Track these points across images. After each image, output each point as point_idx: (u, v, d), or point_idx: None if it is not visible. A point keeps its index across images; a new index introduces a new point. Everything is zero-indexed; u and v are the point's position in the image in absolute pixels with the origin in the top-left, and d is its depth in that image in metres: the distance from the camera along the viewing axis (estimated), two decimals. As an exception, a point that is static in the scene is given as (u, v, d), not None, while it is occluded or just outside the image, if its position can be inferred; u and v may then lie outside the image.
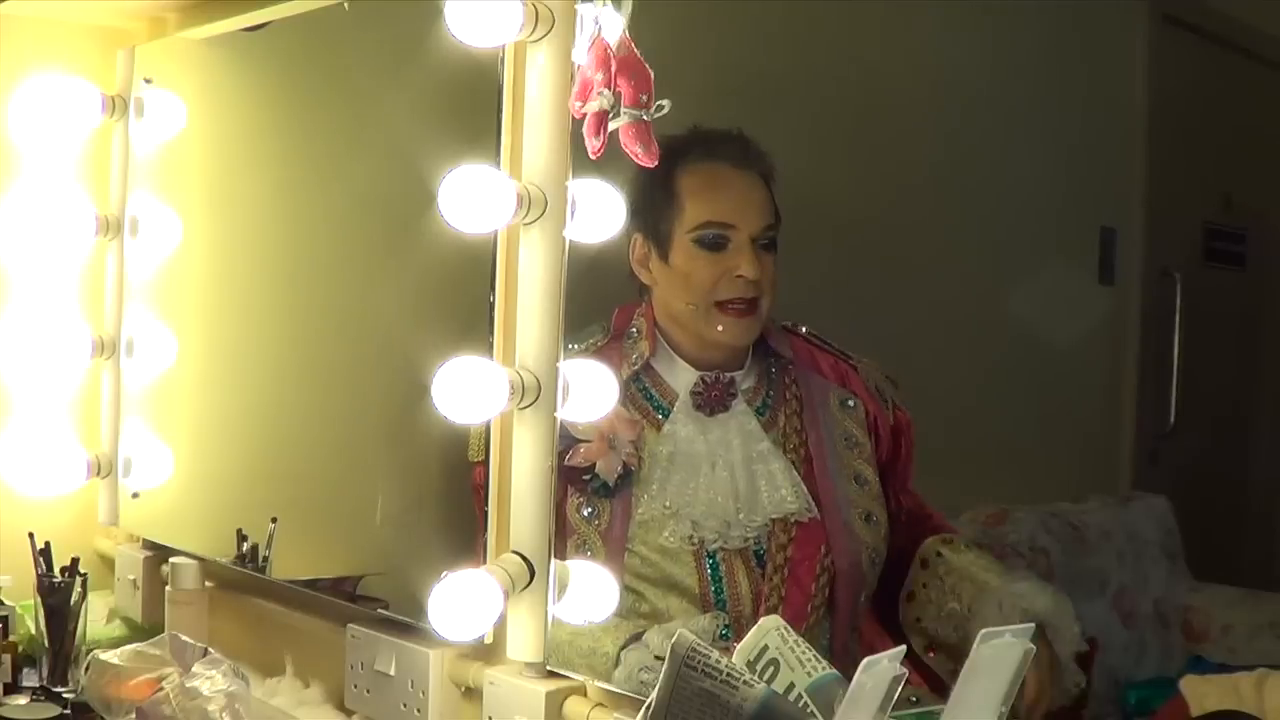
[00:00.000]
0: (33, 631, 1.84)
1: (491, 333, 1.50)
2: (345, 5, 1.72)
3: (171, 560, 1.91)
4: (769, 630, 1.17)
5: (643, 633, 1.43)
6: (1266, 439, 1.76)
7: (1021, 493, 1.76)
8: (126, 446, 2.10)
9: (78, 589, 1.82)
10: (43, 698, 1.78)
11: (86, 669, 1.61)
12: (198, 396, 2.09)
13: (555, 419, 1.40)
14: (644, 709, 1.12)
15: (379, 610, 1.67)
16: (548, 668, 1.42)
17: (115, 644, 1.69)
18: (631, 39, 1.29)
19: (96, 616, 1.95)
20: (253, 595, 1.90)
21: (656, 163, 1.29)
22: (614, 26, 1.29)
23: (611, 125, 1.28)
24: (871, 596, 1.53)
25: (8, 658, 1.79)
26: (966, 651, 1.44)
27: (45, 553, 1.85)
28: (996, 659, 1.04)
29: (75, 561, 1.84)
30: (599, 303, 1.58)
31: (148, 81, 2.08)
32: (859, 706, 1.04)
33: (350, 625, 1.66)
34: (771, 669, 1.15)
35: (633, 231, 1.53)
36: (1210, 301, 1.78)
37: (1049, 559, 1.72)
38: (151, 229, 2.07)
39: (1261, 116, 1.74)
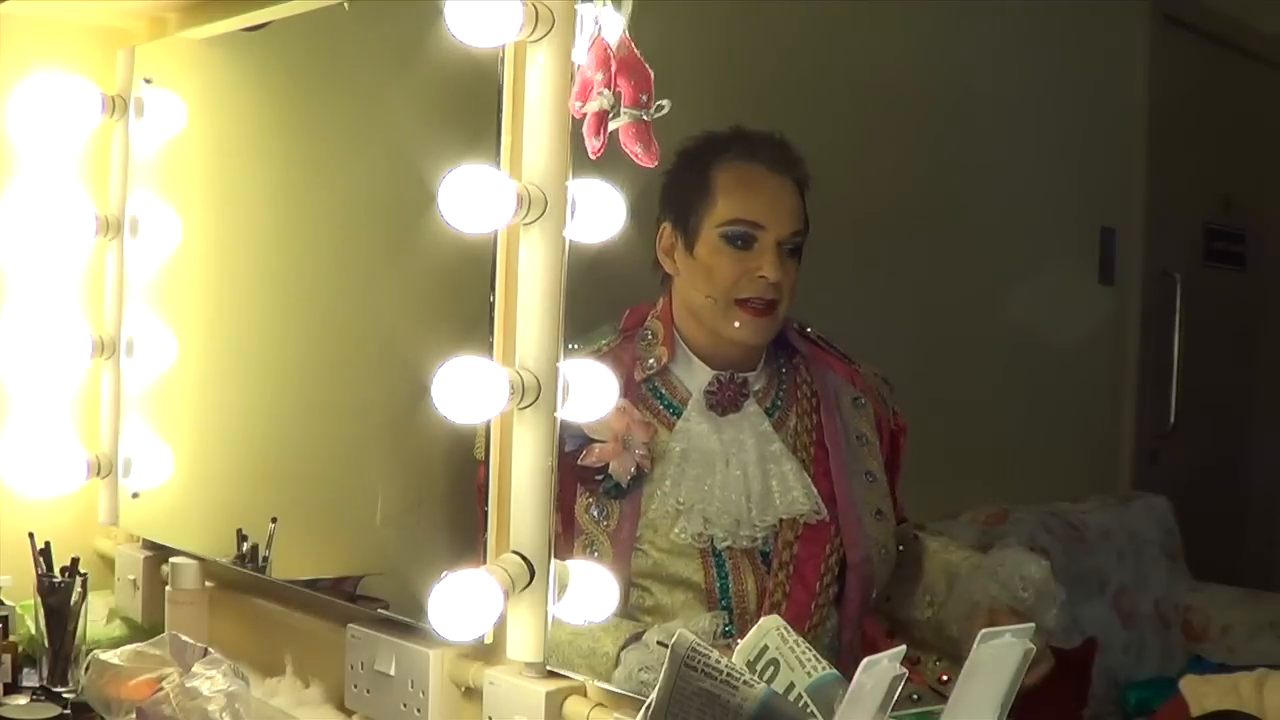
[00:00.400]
0: (33, 631, 1.84)
1: (491, 333, 1.51)
2: (345, 5, 1.72)
3: (171, 560, 1.91)
4: (769, 630, 1.17)
5: (643, 632, 1.43)
6: (1266, 439, 1.76)
7: (1021, 493, 1.76)
8: (126, 446, 2.10)
9: (78, 589, 1.82)
10: (43, 698, 1.78)
11: (86, 669, 1.61)
12: (198, 396, 2.09)
13: (555, 419, 1.40)
14: (644, 709, 1.12)
15: (379, 610, 1.67)
16: (548, 668, 1.42)
17: (115, 644, 1.69)
18: (631, 39, 1.29)
19: (96, 616, 1.95)
20: (253, 595, 1.90)
21: (658, 160, 1.30)
22: (614, 26, 1.29)
23: (611, 125, 1.29)
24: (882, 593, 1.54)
25: (8, 658, 1.79)
26: (941, 630, 1.48)
27: (45, 553, 1.85)
28: (996, 659, 1.04)
29: (75, 561, 1.84)
30: (609, 303, 1.58)
31: (148, 81, 2.08)
32: (859, 706, 1.04)
33: (350, 625, 1.66)
34: (771, 669, 1.15)
35: (662, 220, 1.54)
36: (1210, 301, 1.78)
37: (1049, 559, 1.71)
38: (151, 229, 2.07)
39: (1261, 116, 1.73)
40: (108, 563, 2.12)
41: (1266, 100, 1.74)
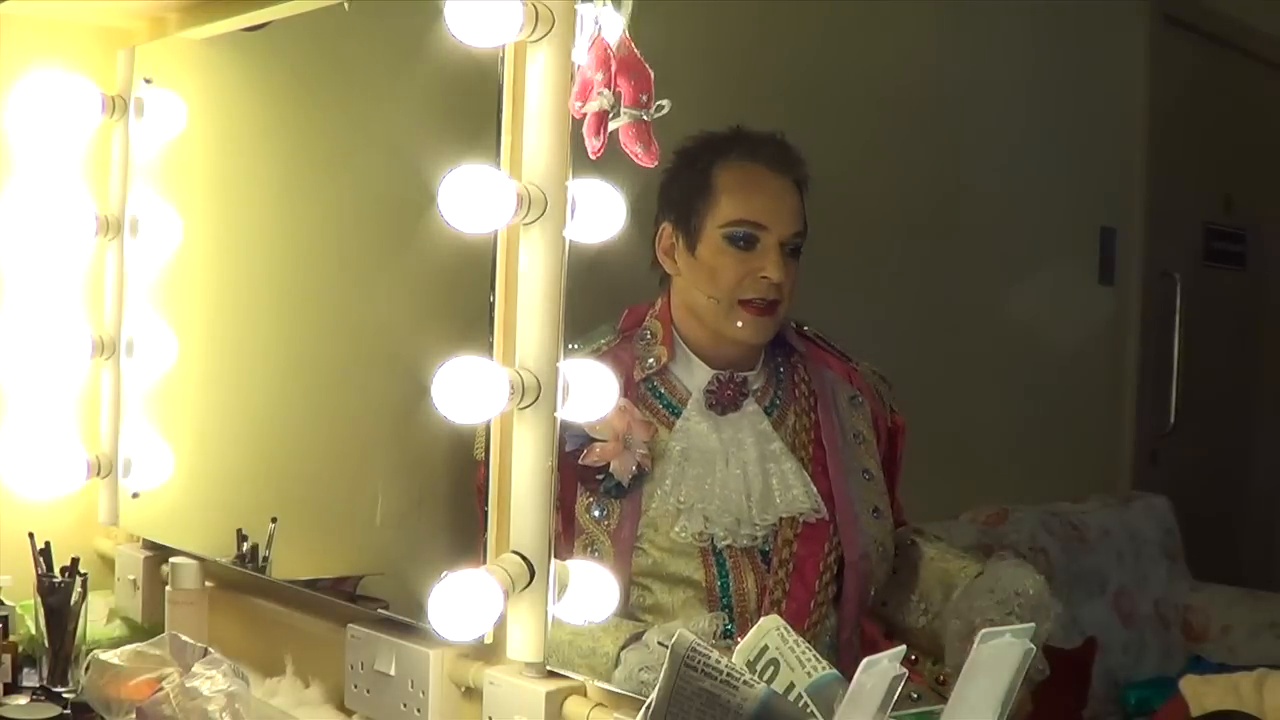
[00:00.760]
0: (33, 631, 1.84)
1: (491, 333, 1.50)
2: (345, 5, 1.72)
3: (171, 560, 1.91)
4: (769, 630, 1.17)
5: (643, 632, 1.43)
6: (1266, 439, 1.76)
7: (1021, 493, 1.76)
8: (126, 446, 2.10)
9: (78, 589, 1.82)
10: (43, 698, 1.78)
11: (86, 669, 1.61)
12: (198, 396, 2.09)
13: (555, 419, 1.40)
14: (644, 709, 1.12)
15: (379, 610, 1.67)
16: (548, 668, 1.42)
17: (115, 644, 1.69)
18: (631, 39, 1.29)
19: (96, 616, 1.95)
20: (253, 595, 1.90)
21: (658, 160, 1.30)
22: (614, 26, 1.29)
23: (611, 125, 1.29)
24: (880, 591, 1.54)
25: (8, 658, 1.79)
26: (936, 640, 1.48)
27: (45, 553, 1.85)
28: (996, 659, 1.04)
29: (75, 561, 1.84)
30: (609, 303, 1.58)
31: (148, 81, 2.08)
32: (859, 706, 1.04)
33: (350, 625, 1.66)
34: (771, 669, 1.15)
35: (662, 220, 1.54)
36: (1210, 301, 1.78)
37: (1049, 559, 1.72)
38: (152, 229, 2.07)
39: (1261, 116, 1.74)
40: (108, 563, 2.12)
41: (1266, 100, 1.74)
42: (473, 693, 1.51)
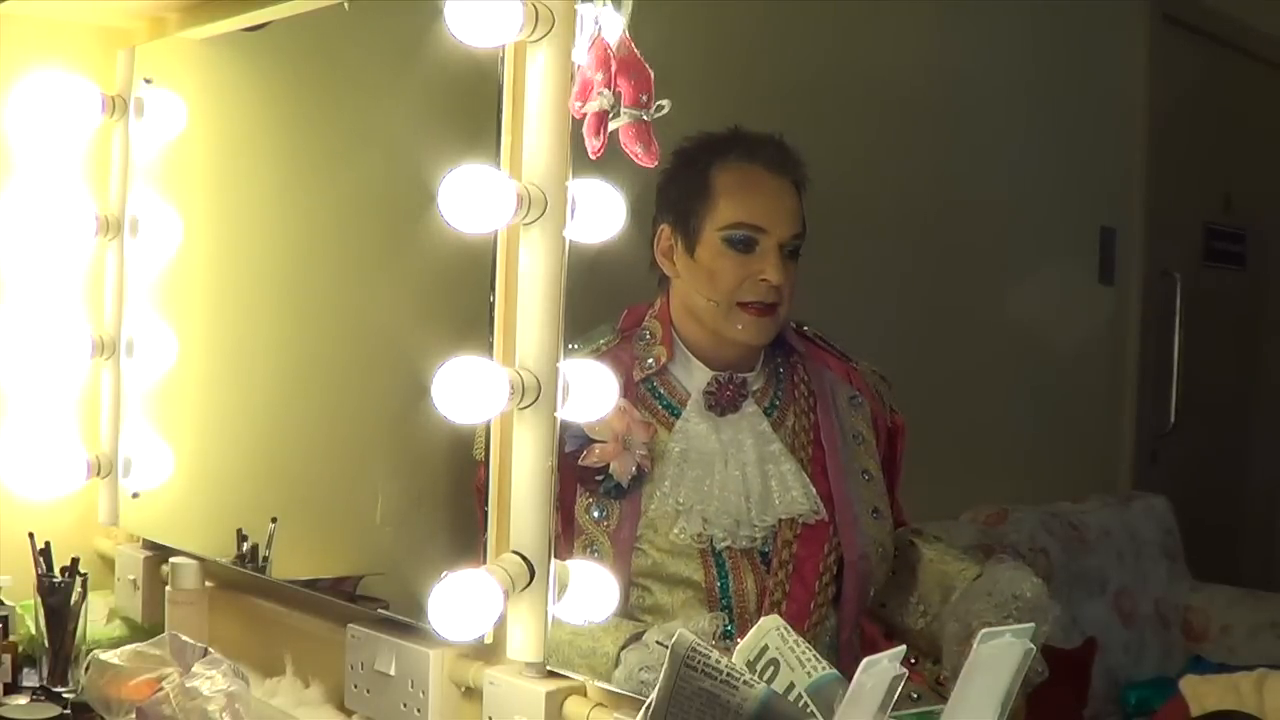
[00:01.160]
0: (33, 631, 1.84)
1: (491, 333, 1.50)
2: (345, 5, 1.72)
3: (171, 560, 1.91)
4: (769, 630, 1.17)
5: (643, 632, 1.43)
6: (1266, 439, 1.76)
7: (1021, 493, 1.76)
8: (126, 446, 2.10)
9: (78, 589, 1.82)
10: (43, 698, 1.78)
11: (86, 669, 1.61)
12: (198, 396, 2.09)
13: (555, 419, 1.40)
14: (644, 709, 1.12)
15: (379, 610, 1.67)
16: (548, 668, 1.42)
17: (115, 644, 1.69)
18: (631, 39, 1.29)
19: (96, 616, 1.95)
20: (253, 595, 1.90)
21: (658, 160, 1.30)
22: (614, 26, 1.29)
23: (611, 125, 1.29)
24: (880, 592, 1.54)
25: (8, 658, 1.79)
26: (934, 642, 1.47)
27: (45, 553, 1.85)
28: (996, 659, 1.04)
29: (75, 561, 1.84)
30: (609, 303, 1.57)
31: (148, 81, 2.08)
32: (859, 706, 1.04)
33: (350, 625, 1.66)
34: (771, 669, 1.15)
35: (660, 222, 1.54)
36: (1210, 301, 1.78)
37: (1049, 559, 1.72)
38: (152, 229, 2.07)
39: (1261, 116, 1.74)
40: (108, 563, 2.12)
41: (1266, 100, 1.74)
42: (473, 693, 1.51)
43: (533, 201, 1.39)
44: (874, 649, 1.11)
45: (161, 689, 1.52)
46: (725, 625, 1.47)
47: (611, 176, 1.38)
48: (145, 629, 1.95)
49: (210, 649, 1.57)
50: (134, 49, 2.10)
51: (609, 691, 1.40)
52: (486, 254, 1.51)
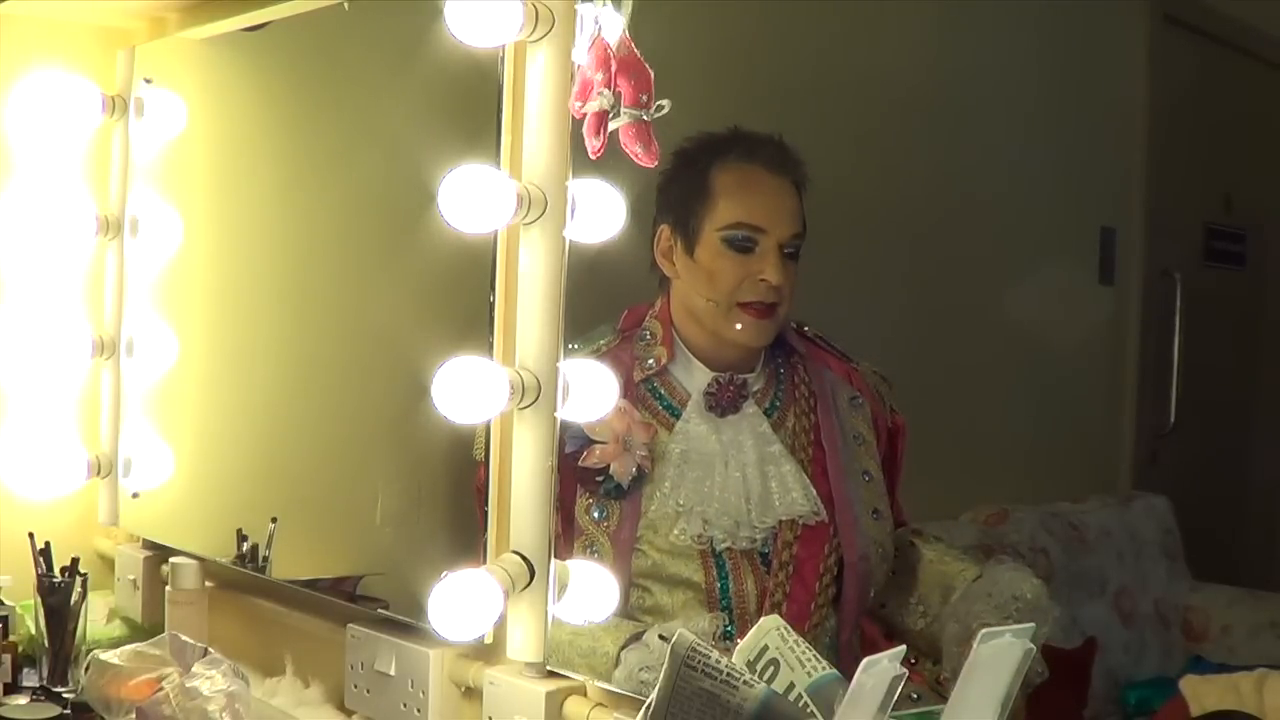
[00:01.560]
0: (33, 631, 1.84)
1: (491, 333, 1.50)
2: (345, 5, 1.72)
3: (171, 560, 1.91)
4: (769, 630, 1.17)
5: (643, 632, 1.43)
6: (1266, 439, 1.76)
7: (1021, 493, 1.76)
8: (126, 446, 2.10)
9: (78, 589, 1.82)
10: (43, 698, 1.78)
11: (86, 669, 1.61)
12: (198, 396, 2.09)
13: (555, 419, 1.40)
14: (644, 709, 1.12)
15: (379, 610, 1.67)
16: (548, 668, 1.42)
17: (115, 644, 1.69)
18: (631, 39, 1.29)
19: (96, 616, 1.95)
20: (253, 595, 1.90)
21: (658, 160, 1.30)
22: (614, 26, 1.29)
23: (611, 125, 1.28)
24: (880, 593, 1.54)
25: (8, 658, 1.79)
26: (934, 642, 1.47)
27: (45, 553, 1.85)
28: (996, 659, 1.04)
29: (75, 561, 1.84)
30: (607, 303, 1.57)
31: (148, 81, 2.08)
32: (859, 706, 1.04)
33: (350, 625, 1.66)
34: (771, 669, 1.15)
35: (660, 222, 1.54)
36: (1210, 301, 1.78)
37: (1049, 559, 1.72)
38: (152, 229, 2.07)
39: (1261, 116, 1.74)
40: (108, 563, 2.12)
41: (1266, 100, 1.74)
42: (473, 693, 1.51)
43: (533, 201, 1.39)
44: (874, 649, 1.11)
45: (161, 689, 1.52)
46: (725, 625, 1.47)
47: (611, 176, 1.38)
48: (145, 629, 1.95)
49: (210, 649, 1.57)
50: (134, 49, 2.10)
51: (609, 691, 1.40)
52: (486, 254, 1.51)
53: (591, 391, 1.40)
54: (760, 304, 1.50)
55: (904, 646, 1.07)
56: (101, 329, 2.12)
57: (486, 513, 1.52)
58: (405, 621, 1.59)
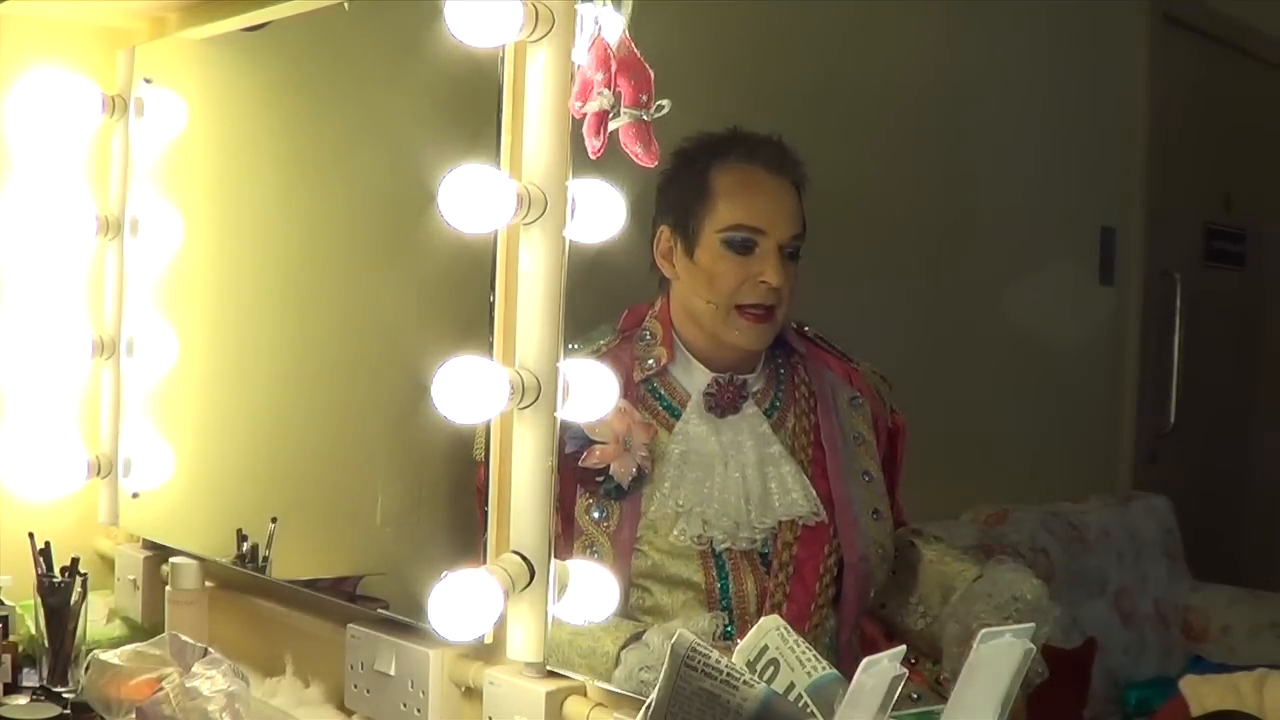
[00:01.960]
0: (33, 631, 1.84)
1: (491, 333, 1.50)
2: (345, 5, 1.72)
3: (171, 560, 1.91)
4: (769, 630, 1.17)
5: (643, 632, 1.43)
6: (1266, 439, 1.76)
7: (1021, 493, 1.76)
8: (126, 446, 2.10)
9: (78, 589, 1.82)
10: (43, 698, 1.78)
11: (86, 669, 1.61)
12: (198, 396, 2.09)
13: (555, 419, 1.40)
14: (644, 709, 1.12)
15: (379, 610, 1.67)
16: (548, 668, 1.42)
17: (115, 644, 1.69)
18: (631, 39, 1.29)
19: (96, 616, 1.95)
20: (253, 595, 1.90)
21: (658, 160, 1.30)
22: (614, 26, 1.29)
23: (611, 125, 1.29)
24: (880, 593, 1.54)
25: (8, 658, 1.79)
26: (934, 643, 1.48)
27: (45, 553, 1.85)
28: (996, 659, 1.04)
29: (75, 561, 1.84)
30: (607, 303, 1.57)
31: (148, 81, 2.08)
32: (859, 706, 1.04)
33: (350, 625, 1.66)
34: (771, 669, 1.15)
35: (660, 223, 1.53)
36: (1210, 301, 1.78)
37: (1049, 559, 1.71)
38: (152, 229, 2.08)
39: (1261, 116, 1.74)
40: (108, 563, 2.12)
41: (1266, 100, 1.74)
42: (473, 693, 1.51)
43: (533, 201, 1.39)
44: (874, 649, 1.10)
45: (161, 689, 1.52)
46: (725, 625, 1.47)
47: (611, 176, 1.38)
48: (145, 629, 1.95)
49: (210, 649, 1.57)
50: (134, 49, 2.10)
51: (609, 691, 1.40)
52: (486, 254, 1.51)
53: (591, 391, 1.40)
54: (759, 307, 1.50)
55: (904, 646, 1.07)
56: (101, 329, 2.12)
57: (486, 513, 1.52)
58: (405, 621, 1.59)
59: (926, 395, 1.65)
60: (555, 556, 1.41)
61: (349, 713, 1.67)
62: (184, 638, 1.59)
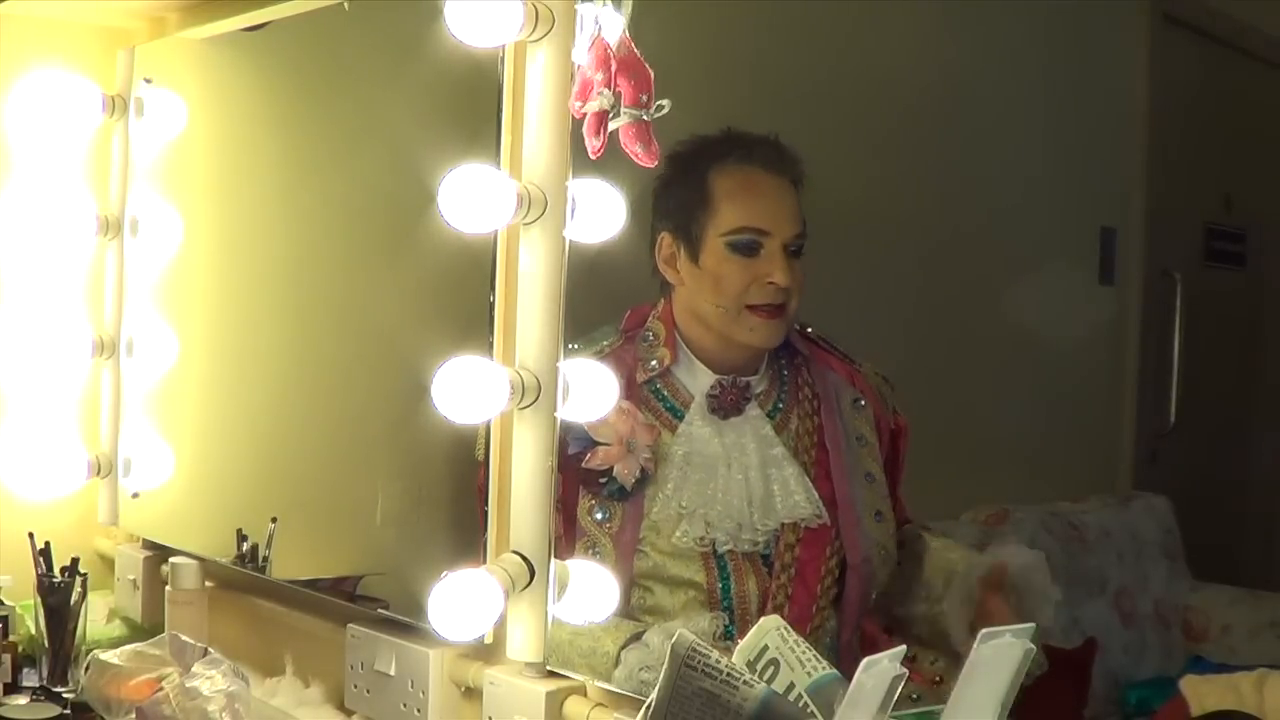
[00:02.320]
0: (33, 631, 1.84)
1: (491, 333, 1.50)
2: (345, 5, 1.72)
3: (171, 560, 1.91)
4: (769, 630, 1.17)
5: (643, 632, 1.43)
6: (1266, 439, 1.76)
7: (1021, 493, 1.76)
8: (126, 446, 2.10)
9: (78, 589, 1.82)
10: (43, 698, 1.78)
11: (86, 669, 1.61)
12: (198, 396, 2.09)
13: (555, 419, 1.40)
14: (644, 709, 1.12)
15: (379, 610, 1.67)
16: (548, 668, 1.42)
17: (115, 644, 1.69)
18: (631, 39, 1.29)
19: (96, 616, 1.95)
20: (253, 595, 1.90)
21: (658, 159, 1.30)
22: (614, 26, 1.29)
23: (611, 125, 1.29)
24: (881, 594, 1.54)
25: (8, 658, 1.79)
26: (935, 625, 1.48)
27: (45, 553, 1.85)
28: (996, 659, 1.04)
29: (75, 561, 1.84)
30: (608, 303, 1.57)
31: (148, 81, 2.08)
32: (859, 706, 1.04)
33: (350, 625, 1.66)
34: (771, 669, 1.15)
35: (660, 230, 1.53)
36: (1210, 301, 1.78)
37: (1049, 559, 1.71)
38: (152, 229, 2.08)
39: (1261, 116, 1.73)
40: (108, 563, 2.12)
41: (1267, 100, 1.74)
42: (473, 693, 1.51)
43: (533, 201, 1.39)
44: (874, 649, 1.10)
45: (161, 689, 1.52)
46: (726, 625, 1.47)
47: (611, 176, 1.38)
48: (145, 629, 1.95)
49: (210, 649, 1.57)
50: (134, 49, 2.10)
51: (609, 691, 1.40)
52: (486, 254, 1.51)
53: (591, 391, 1.40)
54: (770, 305, 1.50)
55: (904, 646, 1.07)
56: (101, 329, 2.12)
57: (486, 512, 1.52)
58: (405, 621, 1.59)
59: (926, 395, 1.65)
60: (556, 556, 1.41)
61: (349, 713, 1.67)
62: (184, 638, 1.59)
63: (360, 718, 1.66)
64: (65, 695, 1.76)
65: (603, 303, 1.57)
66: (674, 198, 1.52)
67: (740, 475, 1.50)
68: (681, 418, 1.52)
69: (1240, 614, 1.74)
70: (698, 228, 1.50)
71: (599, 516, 1.49)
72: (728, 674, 1.08)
